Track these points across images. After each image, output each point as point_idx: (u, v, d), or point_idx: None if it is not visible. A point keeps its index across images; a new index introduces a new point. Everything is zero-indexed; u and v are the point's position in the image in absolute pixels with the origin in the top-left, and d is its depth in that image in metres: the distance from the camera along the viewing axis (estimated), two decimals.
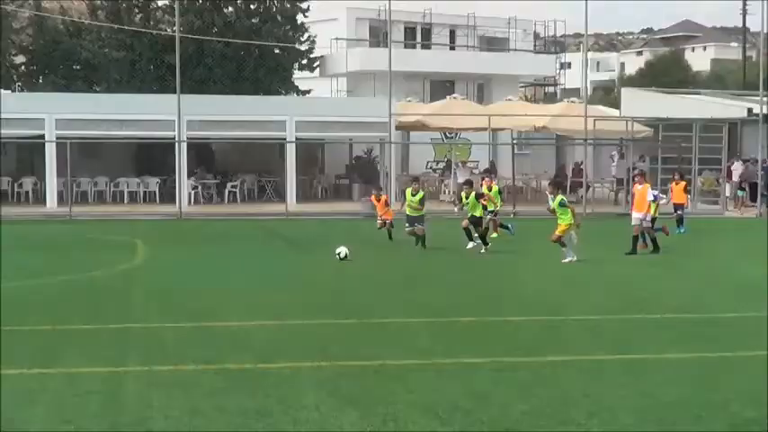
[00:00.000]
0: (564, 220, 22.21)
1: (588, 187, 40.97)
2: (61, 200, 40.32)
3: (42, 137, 40.94)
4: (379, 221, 26.23)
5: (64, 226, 33.95)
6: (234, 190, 43.04)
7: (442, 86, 56.59)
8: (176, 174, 40.12)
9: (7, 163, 45.65)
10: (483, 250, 23.72)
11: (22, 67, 52.76)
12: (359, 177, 45.76)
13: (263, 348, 12.31)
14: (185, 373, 10.96)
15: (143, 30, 48.45)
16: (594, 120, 40.50)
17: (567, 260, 21.91)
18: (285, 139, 41.98)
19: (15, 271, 20.45)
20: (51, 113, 40.75)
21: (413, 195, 24.81)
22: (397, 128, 43.88)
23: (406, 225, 24.78)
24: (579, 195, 40.59)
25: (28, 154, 45.56)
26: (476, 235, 24.24)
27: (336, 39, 55.68)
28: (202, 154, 46.24)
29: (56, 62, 49.67)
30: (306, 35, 51.54)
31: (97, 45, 48.42)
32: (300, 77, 52.65)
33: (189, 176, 41.61)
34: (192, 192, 41.89)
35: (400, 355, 12.06)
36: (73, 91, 45.77)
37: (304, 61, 52.13)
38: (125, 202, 42.62)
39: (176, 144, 40.32)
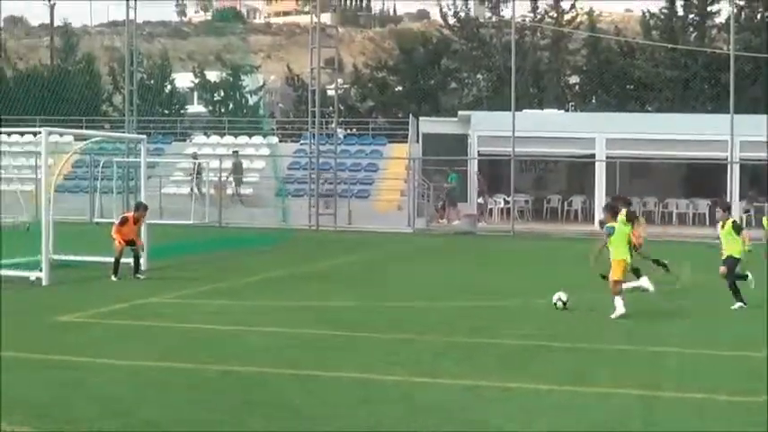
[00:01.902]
0: (619, 254, 16.95)
1: None
2: None
3: (593, 156, 41.64)
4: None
5: None
6: None
7: None
8: (728, 196, 39.06)
9: (557, 181, 46.99)
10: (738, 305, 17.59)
11: (576, 87, 54.12)
12: None
13: None
14: (717, 402, 10.44)
15: (698, 48, 47.72)
16: None
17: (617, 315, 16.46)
18: None
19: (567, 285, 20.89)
20: (602, 133, 41.34)
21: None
22: None
23: None
24: None
25: (577, 173, 46.54)
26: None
27: None
28: (757, 176, 44.53)
29: (608, 82, 50.38)
30: None
31: (650, 64, 48.43)
32: None
33: (740, 199, 40.30)
34: (744, 215, 40.47)
35: None
36: (624, 110, 46.12)
37: None
38: (673, 222, 42.16)
39: (728, 165, 39.28)
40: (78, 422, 8.90)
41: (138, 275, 21.42)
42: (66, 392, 10.01)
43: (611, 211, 17.79)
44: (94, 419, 9.03)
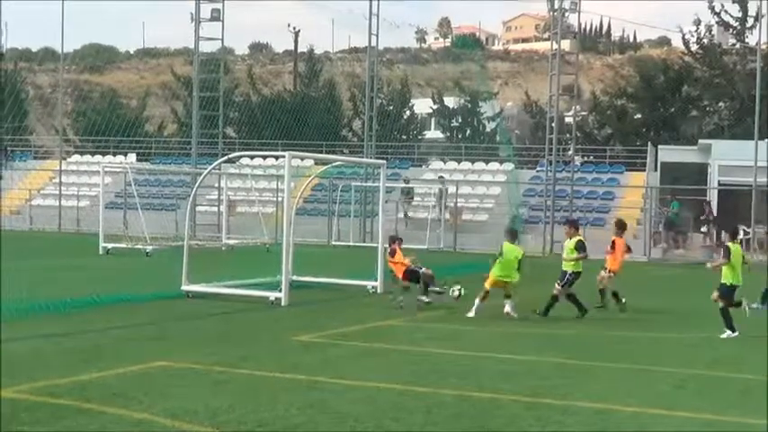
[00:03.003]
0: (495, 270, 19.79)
1: None
2: None
3: None
4: None
5: None
6: None
7: None
8: None
9: None
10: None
11: None
12: None
13: None
14: None
15: None
16: None
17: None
18: None
19: None
20: None
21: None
22: None
23: None
24: None
25: None
26: None
27: None
28: None
29: None
30: None
31: None
32: None
33: None
34: None
35: None
36: None
37: None
38: None
39: None
40: None
41: (423, 298, 21.31)
42: (312, 413, 10.31)
43: (510, 234, 20.49)
44: None
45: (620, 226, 22.94)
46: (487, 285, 19.77)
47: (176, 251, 26.36)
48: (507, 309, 19.66)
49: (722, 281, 17.49)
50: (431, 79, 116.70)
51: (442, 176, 49.87)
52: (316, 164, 46.39)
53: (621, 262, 21.94)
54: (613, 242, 22.12)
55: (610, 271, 21.65)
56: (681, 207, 42.82)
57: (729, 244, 17.75)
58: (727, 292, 17.49)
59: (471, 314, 19.45)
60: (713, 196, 43.41)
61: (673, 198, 43.42)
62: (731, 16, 57.28)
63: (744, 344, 16.81)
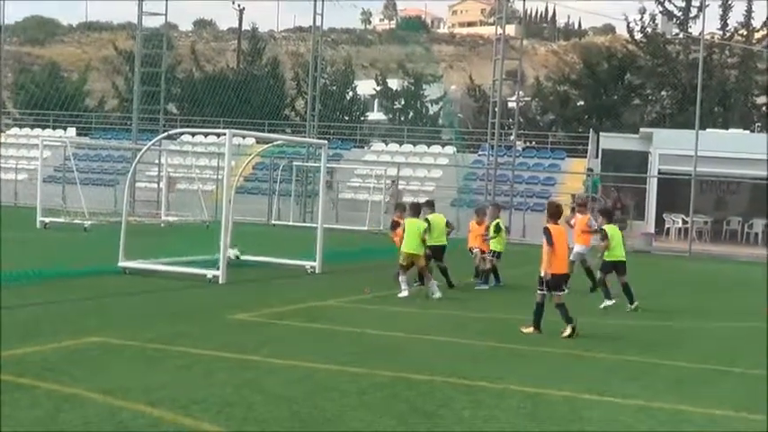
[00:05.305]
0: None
1: None
2: None
3: None
4: None
5: None
6: None
7: None
8: None
9: (739, 203, 45.76)
10: None
11: (763, 108, 52.63)
12: None
13: None
14: None
15: None
16: None
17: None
18: None
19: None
20: None
21: None
22: None
23: None
24: None
25: (760, 195, 45.31)
26: None
27: None
28: None
29: None
30: None
31: None
32: None
33: None
34: None
35: None
36: None
37: None
38: None
39: None
40: (260, 423, 9.15)
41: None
42: (246, 392, 10.28)
43: (411, 209, 20.69)
44: (272, 420, 9.26)
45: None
46: (401, 261, 20.02)
47: (115, 227, 26.14)
48: (434, 294, 19.70)
49: None
50: (375, 61, 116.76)
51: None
52: (257, 142, 46.25)
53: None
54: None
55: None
56: (601, 184, 43.36)
57: None
58: None
59: (405, 294, 19.61)
60: (653, 185, 43.83)
61: (592, 176, 43.92)
62: (675, 6, 57.82)
63: (670, 332, 17.02)
